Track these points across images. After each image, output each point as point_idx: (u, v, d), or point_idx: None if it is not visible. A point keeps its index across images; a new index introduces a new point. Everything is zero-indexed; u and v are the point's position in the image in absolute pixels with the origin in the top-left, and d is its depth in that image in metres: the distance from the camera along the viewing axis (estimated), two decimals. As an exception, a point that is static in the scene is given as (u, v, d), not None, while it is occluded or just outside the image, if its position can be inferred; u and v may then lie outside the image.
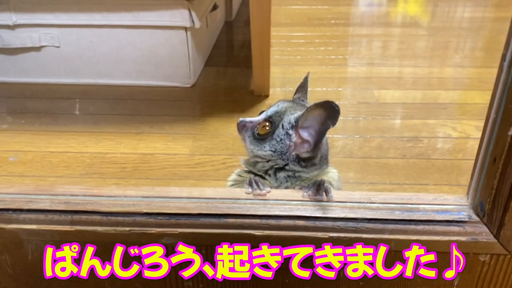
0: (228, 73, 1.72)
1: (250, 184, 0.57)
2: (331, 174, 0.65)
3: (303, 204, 0.53)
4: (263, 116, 0.65)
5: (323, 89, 1.55)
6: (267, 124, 0.63)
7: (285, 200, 0.54)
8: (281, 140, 0.62)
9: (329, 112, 0.55)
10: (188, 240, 0.52)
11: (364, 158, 1.16)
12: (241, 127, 0.65)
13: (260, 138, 0.63)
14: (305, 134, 0.60)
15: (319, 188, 0.55)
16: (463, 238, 0.50)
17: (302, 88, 0.71)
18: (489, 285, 0.53)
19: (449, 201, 0.53)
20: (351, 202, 0.53)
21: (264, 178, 0.65)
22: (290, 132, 0.61)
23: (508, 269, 0.52)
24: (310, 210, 0.53)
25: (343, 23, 2.24)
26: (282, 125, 0.62)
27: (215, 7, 1.76)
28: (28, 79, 1.54)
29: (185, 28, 1.42)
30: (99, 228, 0.52)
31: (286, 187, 0.64)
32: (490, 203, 0.49)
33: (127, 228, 0.52)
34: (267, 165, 0.65)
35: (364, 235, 0.50)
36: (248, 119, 0.65)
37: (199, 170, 1.15)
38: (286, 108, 0.64)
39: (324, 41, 1.97)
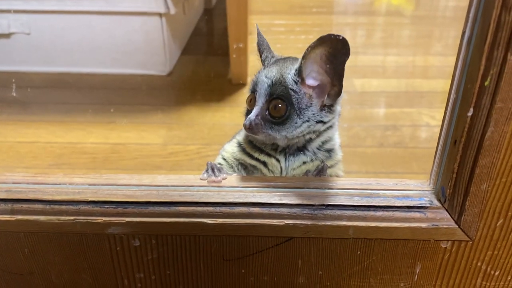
0: (206, 62, 1.69)
1: (207, 171, 0.55)
2: (340, 165, 0.62)
3: (258, 190, 0.51)
4: (262, 99, 0.53)
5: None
6: (279, 101, 0.52)
7: (240, 187, 0.52)
8: (304, 104, 0.53)
9: (334, 45, 0.48)
10: (136, 230, 0.49)
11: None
12: (256, 126, 0.52)
13: (281, 121, 0.52)
14: (319, 78, 0.53)
15: (322, 171, 0.54)
16: (423, 225, 0.48)
17: (262, 45, 0.59)
18: (451, 272, 0.51)
19: (411, 186, 0.51)
20: (308, 188, 0.51)
21: (272, 157, 0.58)
22: (304, 90, 0.52)
23: (470, 256, 0.50)
24: (266, 196, 0.50)
25: (325, 12, 2.21)
26: (293, 90, 0.52)
27: (193, -6, 1.72)
28: (-3, 67, 1.49)
29: (160, 14, 1.38)
30: (41, 218, 0.49)
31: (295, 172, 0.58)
32: (451, 187, 0.47)
33: (71, 217, 0.49)
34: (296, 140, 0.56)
35: (321, 222, 0.48)
36: (252, 115, 0.52)
37: (172, 160, 1.12)
38: (277, 72, 0.53)
39: (305, 30, 1.94)
